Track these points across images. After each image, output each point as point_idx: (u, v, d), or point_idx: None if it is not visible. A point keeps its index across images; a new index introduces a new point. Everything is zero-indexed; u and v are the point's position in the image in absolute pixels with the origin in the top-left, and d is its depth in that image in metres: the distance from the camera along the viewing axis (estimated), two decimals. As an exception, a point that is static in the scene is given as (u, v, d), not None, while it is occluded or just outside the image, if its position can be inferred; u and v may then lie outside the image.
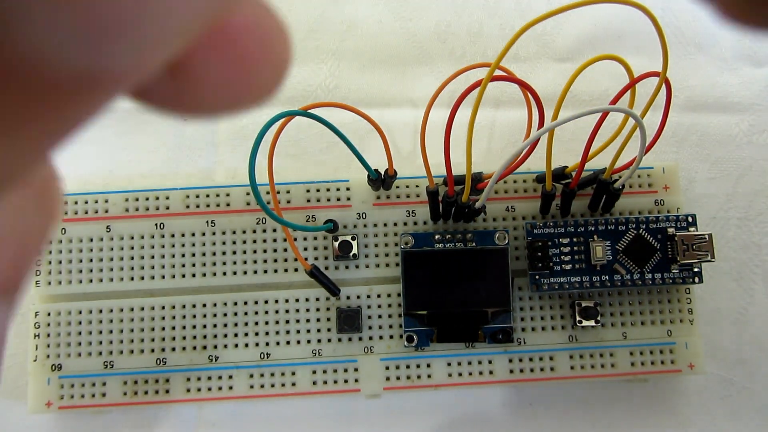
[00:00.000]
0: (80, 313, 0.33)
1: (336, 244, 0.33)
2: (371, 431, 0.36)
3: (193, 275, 0.34)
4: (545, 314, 0.34)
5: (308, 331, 0.34)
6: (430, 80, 0.39)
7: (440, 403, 0.36)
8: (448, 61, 0.39)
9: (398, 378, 0.33)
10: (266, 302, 0.34)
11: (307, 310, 0.34)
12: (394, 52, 0.39)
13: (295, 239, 0.34)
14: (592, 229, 0.33)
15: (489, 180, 0.29)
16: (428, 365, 0.33)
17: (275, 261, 0.34)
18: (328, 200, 0.34)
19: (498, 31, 0.39)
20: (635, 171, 0.31)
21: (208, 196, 0.34)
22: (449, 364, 0.33)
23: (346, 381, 0.33)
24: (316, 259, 0.34)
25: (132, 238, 0.34)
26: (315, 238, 0.34)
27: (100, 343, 0.33)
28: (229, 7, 0.09)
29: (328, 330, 0.34)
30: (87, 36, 0.07)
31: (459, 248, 0.33)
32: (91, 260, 0.34)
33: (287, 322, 0.34)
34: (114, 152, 0.37)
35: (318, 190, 0.34)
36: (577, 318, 0.33)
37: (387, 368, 0.33)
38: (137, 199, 0.34)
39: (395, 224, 0.34)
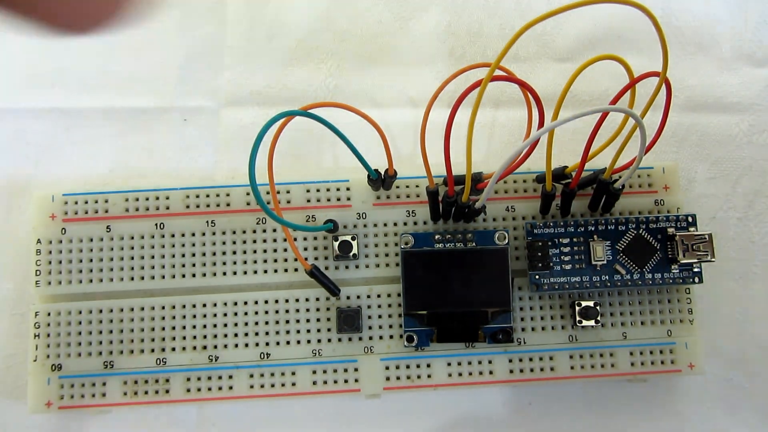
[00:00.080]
0: (80, 313, 0.33)
1: (336, 244, 0.33)
2: (371, 431, 0.36)
3: (193, 275, 0.34)
4: (545, 314, 0.34)
5: (308, 331, 0.34)
6: (430, 80, 0.39)
7: (440, 403, 0.36)
8: (448, 61, 0.39)
9: (398, 378, 0.33)
10: (266, 302, 0.34)
11: (307, 310, 0.34)
12: (394, 52, 0.39)
13: (295, 239, 0.34)
14: (592, 229, 0.33)
15: (489, 180, 0.29)
16: (428, 365, 0.33)
17: (275, 261, 0.34)
18: (328, 200, 0.34)
19: (498, 31, 0.39)
20: (635, 171, 0.31)
21: (208, 196, 0.34)
22: (449, 364, 0.33)
23: (346, 381, 0.33)
24: (316, 259, 0.34)
25: (132, 238, 0.34)
26: (315, 238, 0.34)
27: (100, 343, 0.33)
28: None
29: (328, 330, 0.34)
30: None
31: (459, 248, 0.33)
32: (91, 260, 0.34)
33: (287, 322, 0.34)
34: (114, 152, 0.37)
35: (318, 190, 0.34)
36: (577, 318, 0.33)
37: (387, 368, 0.33)
38: (137, 199, 0.34)
39: (395, 224, 0.34)
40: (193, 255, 0.34)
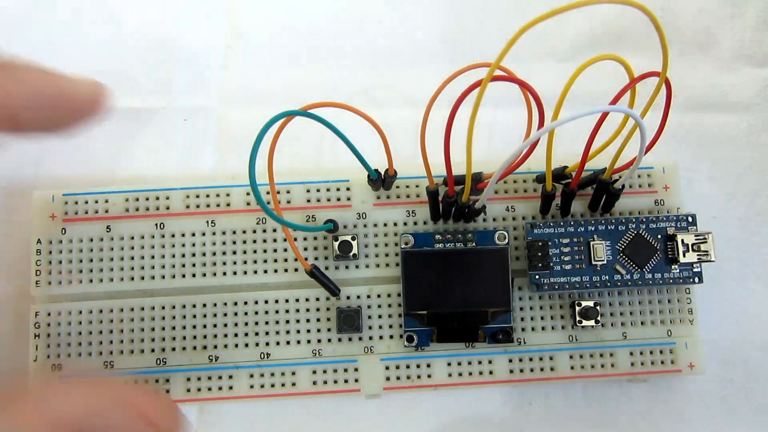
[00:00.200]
0: (80, 313, 0.33)
1: (336, 244, 0.33)
2: (371, 431, 0.36)
3: (193, 275, 0.34)
4: (545, 314, 0.34)
5: (308, 331, 0.34)
6: (430, 80, 0.38)
7: (440, 403, 0.36)
8: (448, 61, 0.39)
9: (398, 378, 0.33)
10: (266, 302, 0.34)
11: (307, 310, 0.34)
12: (394, 52, 0.39)
13: (295, 239, 0.34)
14: (592, 229, 0.33)
15: (489, 180, 0.29)
16: (428, 365, 0.33)
17: (275, 261, 0.34)
18: (328, 200, 0.34)
19: (498, 31, 0.39)
20: (635, 171, 0.31)
21: (208, 196, 0.34)
22: (449, 364, 0.33)
23: (346, 381, 0.33)
24: (316, 259, 0.34)
25: (132, 238, 0.34)
26: (315, 238, 0.34)
27: (100, 343, 0.33)
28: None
29: (328, 330, 0.34)
30: None
31: (459, 248, 0.33)
32: (91, 260, 0.34)
33: (287, 322, 0.34)
34: (114, 152, 0.37)
35: (318, 190, 0.34)
36: (577, 318, 0.33)
37: (387, 368, 0.33)
38: (137, 199, 0.34)
39: (395, 224, 0.34)
40: (193, 255, 0.34)
